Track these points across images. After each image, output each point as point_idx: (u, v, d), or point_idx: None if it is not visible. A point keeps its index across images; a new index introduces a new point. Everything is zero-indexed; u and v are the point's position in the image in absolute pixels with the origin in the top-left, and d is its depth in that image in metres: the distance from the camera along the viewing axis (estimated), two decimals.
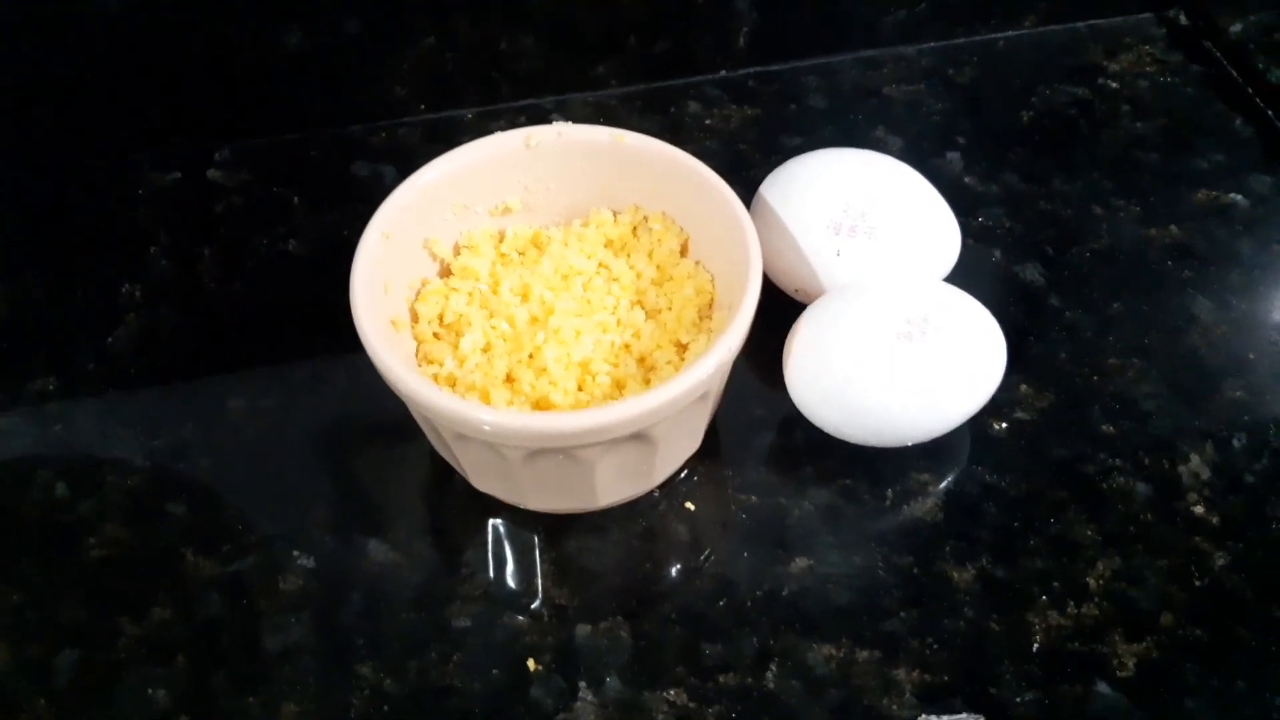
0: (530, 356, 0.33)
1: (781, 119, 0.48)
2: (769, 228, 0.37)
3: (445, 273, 0.36)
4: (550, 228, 0.37)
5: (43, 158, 0.45)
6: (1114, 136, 0.47)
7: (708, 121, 0.48)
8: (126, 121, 0.45)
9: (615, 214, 0.37)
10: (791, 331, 0.35)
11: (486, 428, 0.29)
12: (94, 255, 0.43)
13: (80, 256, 0.43)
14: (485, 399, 0.32)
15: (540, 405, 0.32)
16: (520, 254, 0.37)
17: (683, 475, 0.36)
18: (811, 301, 0.36)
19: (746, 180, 0.39)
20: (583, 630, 0.32)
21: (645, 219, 0.37)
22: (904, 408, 0.33)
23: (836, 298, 0.34)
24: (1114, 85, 0.50)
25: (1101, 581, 0.34)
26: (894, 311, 0.33)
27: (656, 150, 0.35)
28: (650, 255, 0.36)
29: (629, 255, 0.37)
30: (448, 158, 0.35)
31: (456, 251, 0.36)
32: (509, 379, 0.33)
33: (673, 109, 0.48)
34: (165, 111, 0.45)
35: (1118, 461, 0.37)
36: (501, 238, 0.37)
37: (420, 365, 0.34)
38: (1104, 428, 0.37)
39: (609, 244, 0.37)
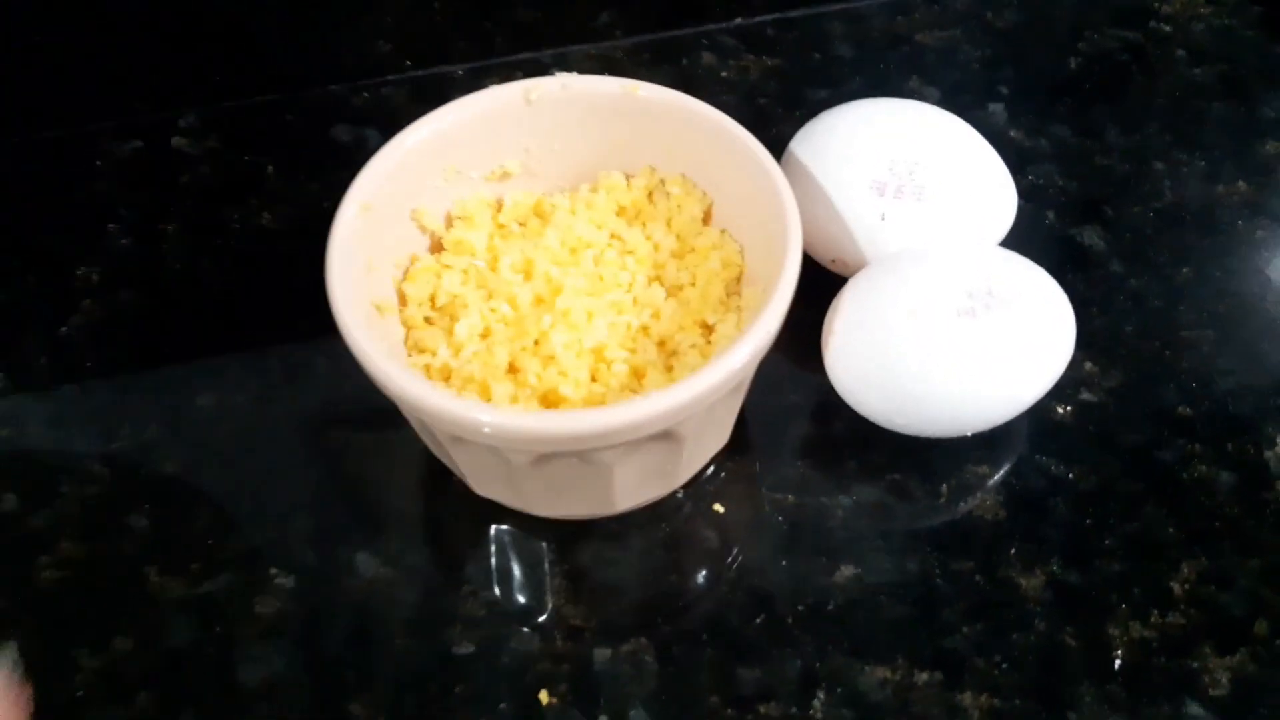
0: (535, 343, 0.29)
1: (805, 70, 0.44)
2: (802, 190, 0.32)
3: (437, 248, 0.32)
4: (554, 194, 0.33)
5: None
6: (1171, 85, 0.43)
7: (723, 74, 0.44)
8: (80, 85, 0.41)
9: (628, 177, 0.33)
10: (832, 308, 0.31)
11: (487, 430, 0.25)
12: (45, 235, 0.38)
13: (30, 237, 0.38)
14: (485, 393, 0.28)
15: (548, 399, 0.28)
16: (521, 225, 0.33)
17: (709, 473, 0.32)
18: (850, 272, 0.32)
19: (770, 139, 0.34)
20: (602, 654, 0.29)
21: (662, 182, 0.33)
22: (965, 393, 0.29)
23: (885, 269, 0.30)
24: (1166, 29, 0.45)
25: (1187, 586, 0.30)
26: (953, 284, 0.29)
27: (674, 103, 0.31)
28: (669, 224, 0.32)
29: (644, 224, 0.32)
30: (436, 116, 0.30)
31: (449, 223, 0.32)
32: (512, 369, 0.29)
33: (684, 60, 0.44)
34: (123, 74, 0.41)
35: (1197, 447, 0.33)
36: (499, 207, 0.33)
37: (410, 355, 0.30)
38: (1180, 409, 0.33)
39: (621, 211, 0.33)
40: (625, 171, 0.33)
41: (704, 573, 0.30)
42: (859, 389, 0.30)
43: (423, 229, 0.31)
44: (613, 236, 0.32)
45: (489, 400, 0.28)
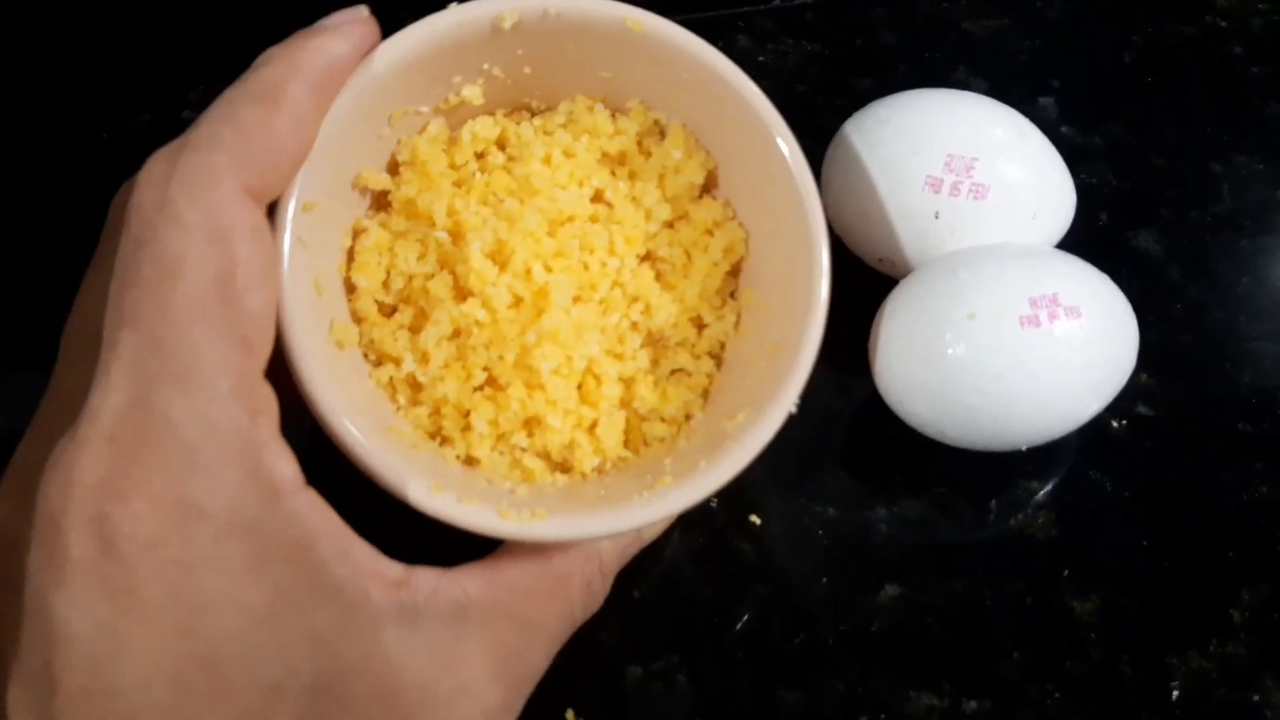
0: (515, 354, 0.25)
1: (847, 57, 0.42)
2: (850, 181, 0.31)
3: (381, 204, 0.26)
4: (522, 122, 0.27)
5: None
6: (1229, 83, 0.41)
7: (761, 58, 0.42)
8: (87, 53, 0.39)
9: (614, 115, 0.27)
10: (881, 312, 0.29)
11: (503, 536, 0.22)
12: (49, 216, 0.36)
13: (36, 218, 0.36)
14: (461, 417, 0.25)
15: (531, 425, 0.25)
16: (481, 160, 0.27)
17: (745, 480, 0.30)
18: (899, 272, 0.31)
19: (810, 128, 0.32)
20: (633, 672, 0.27)
21: (656, 125, 0.27)
22: (1024, 406, 0.27)
23: (941, 270, 0.28)
24: (1223, 24, 0.43)
25: (1248, 614, 0.28)
26: (1016, 290, 0.27)
27: (681, 44, 0.25)
28: (662, 183, 0.27)
29: (634, 181, 0.27)
30: (377, 59, 0.24)
31: (393, 170, 0.26)
32: (491, 381, 0.25)
33: (720, 43, 0.41)
34: (134, 38, 0.39)
35: (1259, 467, 0.31)
36: (454, 143, 0.27)
37: (371, 371, 0.25)
38: (1241, 426, 0.32)
39: (605, 159, 0.27)
40: (612, 108, 0.27)
41: (740, 588, 0.29)
42: (909, 398, 0.28)
43: (364, 191, 0.26)
44: (596, 200, 0.27)
45: (464, 422, 0.25)
